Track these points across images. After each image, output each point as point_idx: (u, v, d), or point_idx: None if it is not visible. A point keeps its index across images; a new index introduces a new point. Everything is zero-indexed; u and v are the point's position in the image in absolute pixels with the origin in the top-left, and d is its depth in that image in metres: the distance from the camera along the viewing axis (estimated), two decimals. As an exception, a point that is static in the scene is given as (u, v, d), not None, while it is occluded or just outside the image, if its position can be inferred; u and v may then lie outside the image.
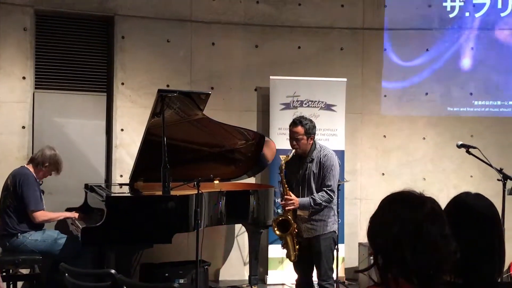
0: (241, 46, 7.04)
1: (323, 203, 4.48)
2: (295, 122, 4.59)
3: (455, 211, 1.91)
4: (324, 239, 4.56)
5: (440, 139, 7.32)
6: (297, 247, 4.58)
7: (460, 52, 7.32)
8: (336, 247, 4.80)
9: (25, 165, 5.48)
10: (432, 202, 1.66)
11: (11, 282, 5.20)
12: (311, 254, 4.60)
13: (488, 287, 1.88)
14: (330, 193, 4.48)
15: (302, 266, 4.67)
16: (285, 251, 4.68)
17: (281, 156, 4.69)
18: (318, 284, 4.61)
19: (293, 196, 4.52)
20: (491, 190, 4.29)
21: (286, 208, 4.54)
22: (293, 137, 4.57)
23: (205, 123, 5.52)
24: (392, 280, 1.61)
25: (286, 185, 4.56)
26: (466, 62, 7.35)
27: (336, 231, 4.67)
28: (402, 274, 1.60)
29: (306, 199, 4.50)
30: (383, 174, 7.26)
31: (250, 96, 7.03)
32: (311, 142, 4.57)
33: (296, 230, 4.59)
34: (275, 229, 4.56)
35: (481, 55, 7.33)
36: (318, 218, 4.56)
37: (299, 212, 4.59)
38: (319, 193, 4.49)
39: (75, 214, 5.46)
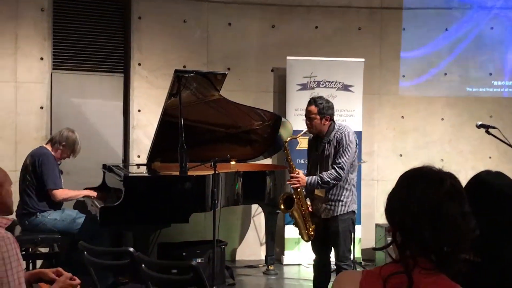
0: (257, 26, 7.01)
1: (331, 181, 4.43)
2: (310, 101, 4.59)
3: (476, 189, 1.90)
4: (342, 220, 4.53)
5: (459, 120, 7.27)
6: (313, 226, 4.60)
7: (479, 32, 7.23)
8: (354, 227, 4.79)
9: (44, 145, 5.53)
10: (452, 178, 1.64)
11: (30, 261, 5.26)
12: (328, 235, 4.60)
13: (507, 266, 1.87)
14: (339, 170, 4.42)
15: (320, 247, 4.68)
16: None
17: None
18: (336, 264, 4.60)
19: (300, 174, 4.53)
20: (511, 172, 4.25)
21: (292, 186, 4.57)
22: (306, 116, 4.58)
23: (222, 104, 5.52)
24: (410, 258, 1.60)
25: (291, 163, 4.59)
26: (486, 42, 7.25)
27: (355, 211, 4.62)
28: (421, 252, 1.59)
29: (313, 178, 4.49)
30: (400, 155, 7.22)
31: (266, 77, 7.01)
32: (327, 123, 4.54)
33: (310, 209, 4.62)
34: (281, 206, 4.61)
35: (500, 35, 7.23)
36: (335, 198, 4.53)
37: (316, 192, 4.59)
38: (328, 171, 4.47)
39: (94, 193, 5.52)
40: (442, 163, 6.95)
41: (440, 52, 7.24)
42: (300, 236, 4.74)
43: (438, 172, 1.66)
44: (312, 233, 4.62)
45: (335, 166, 4.44)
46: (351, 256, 4.76)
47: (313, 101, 4.57)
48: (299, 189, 4.58)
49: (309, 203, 4.68)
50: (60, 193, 5.33)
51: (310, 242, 4.74)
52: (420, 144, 7.25)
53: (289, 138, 4.78)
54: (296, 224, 4.65)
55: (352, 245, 4.72)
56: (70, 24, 6.57)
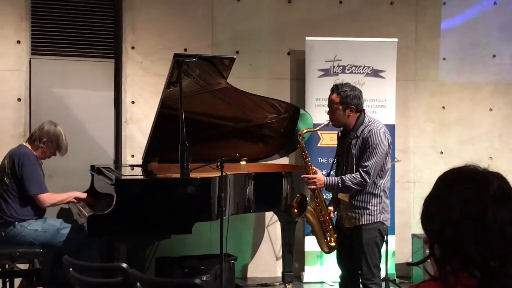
0: (271, 2, 7.00)
1: (353, 186, 4.42)
2: (332, 89, 4.62)
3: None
4: (367, 230, 4.52)
5: (511, 111, 7.23)
6: (335, 235, 4.63)
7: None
8: (384, 240, 4.78)
9: (24, 143, 5.58)
10: (500, 179, 1.63)
11: (7, 279, 5.30)
12: (353, 247, 4.62)
13: None
14: (364, 175, 4.40)
15: (346, 261, 4.69)
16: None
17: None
18: (361, 283, 4.60)
19: (318, 174, 4.54)
20: None
21: (308, 187, 4.60)
22: (328, 106, 4.61)
23: (229, 94, 5.53)
24: (451, 274, 1.60)
25: (307, 159, 4.62)
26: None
27: (385, 222, 4.60)
28: (463, 267, 1.59)
29: (334, 179, 4.51)
30: (441, 152, 7.20)
31: (282, 61, 7.01)
32: (352, 114, 4.54)
33: (331, 215, 4.65)
34: (294, 209, 4.65)
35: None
36: (361, 205, 4.53)
37: (340, 196, 4.61)
38: (352, 174, 4.47)
39: (83, 195, 5.58)
40: (491, 162, 6.97)
41: (488, 30, 7.20)
42: (320, 248, 4.76)
43: (483, 172, 1.65)
44: (334, 244, 4.63)
45: (360, 169, 4.44)
46: (381, 273, 4.75)
47: (335, 88, 4.58)
48: (316, 191, 4.60)
49: (331, 208, 4.69)
50: (47, 198, 5.38)
51: (336, 256, 4.75)
52: (464, 139, 7.22)
53: (305, 131, 4.78)
54: (313, 232, 4.67)
55: (380, 260, 4.71)
56: (52, 1, 6.60)
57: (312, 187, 4.56)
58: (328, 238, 4.65)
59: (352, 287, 4.74)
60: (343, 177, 4.45)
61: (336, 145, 4.86)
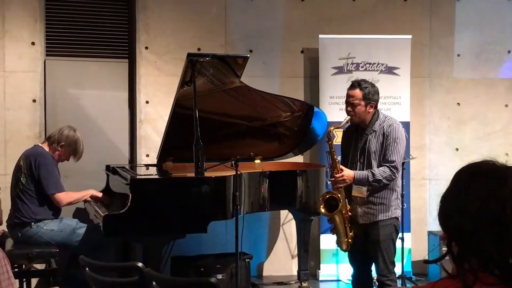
0: (284, 0, 6.99)
1: (383, 180, 4.44)
2: (353, 85, 4.60)
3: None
4: (384, 227, 4.53)
5: (527, 106, 7.20)
6: (350, 234, 4.59)
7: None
8: (398, 236, 4.79)
9: (40, 144, 5.61)
10: None
11: (24, 279, 5.32)
12: (368, 244, 4.59)
13: None
14: (393, 169, 4.44)
15: (358, 258, 4.68)
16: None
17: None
18: (377, 280, 4.61)
19: (345, 171, 4.48)
20: None
21: (336, 186, 4.53)
22: (348, 102, 4.58)
23: (243, 92, 5.53)
24: (469, 272, 1.58)
25: (335, 156, 4.56)
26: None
27: (399, 218, 4.65)
28: (482, 264, 1.57)
29: (363, 173, 4.48)
30: (456, 149, 7.17)
31: (295, 59, 6.99)
32: (371, 110, 4.55)
33: (349, 213, 4.60)
34: (321, 207, 4.58)
35: None
36: (377, 201, 4.53)
37: (354, 193, 4.58)
38: (380, 168, 4.46)
39: (99, 193, 5.62)
40: (507, 158, 6.93)
41: (503, 26, 7.15)
42: (337, 245, 4.72)
43: (501, 168, 1.64)
44: (350, 241, 4.61)
45: (387, 164, 4.45)
46: (397, 271, 4.73)
47: (357, 84, 4.58)
48: (339, 188, 4.56)
49: (349, 206, 4.67)
50: (65, 197, 5.42)
51: (347, 254, 4.74)
52: (480, 135, 7.18)
53: (333, 127, 4.65)
54: (335, 230, 4.63)
55: (395, 257, 4.68)
56: (65, 3, 6.62)
57: (343, 185, 4.53)
58: (347, 236, 4.62)
59: (364, 285, 4.74)
60: (373, 170, 4.46)
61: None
